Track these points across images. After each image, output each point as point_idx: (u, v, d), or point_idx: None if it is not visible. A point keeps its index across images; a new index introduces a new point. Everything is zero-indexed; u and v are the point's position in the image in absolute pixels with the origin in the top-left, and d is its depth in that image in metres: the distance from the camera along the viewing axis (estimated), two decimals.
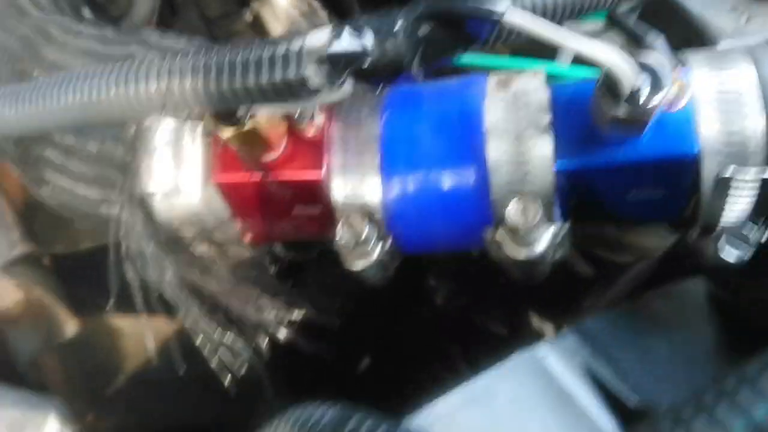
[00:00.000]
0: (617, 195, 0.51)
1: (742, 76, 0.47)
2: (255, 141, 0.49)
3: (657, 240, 0.78)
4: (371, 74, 0.39)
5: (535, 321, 1.14)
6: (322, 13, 1.36)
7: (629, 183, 0.49)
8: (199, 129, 0.54)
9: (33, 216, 0.72)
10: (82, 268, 0.90)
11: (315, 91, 0.39)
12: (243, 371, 0.59)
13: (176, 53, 0.40)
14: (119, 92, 0.40)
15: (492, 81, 0.53)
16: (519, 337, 1.14)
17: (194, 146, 0.54)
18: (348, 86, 0.40)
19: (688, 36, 0.62)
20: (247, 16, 1.50)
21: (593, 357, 0.50)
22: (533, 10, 0.42)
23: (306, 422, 0.38)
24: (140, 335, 1.01)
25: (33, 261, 0.73)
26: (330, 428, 0.36)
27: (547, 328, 1.19)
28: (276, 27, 1.51)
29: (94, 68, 0.43)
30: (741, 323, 0.58)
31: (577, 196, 0.51)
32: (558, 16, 0.43)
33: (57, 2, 0.77)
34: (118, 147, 0.54)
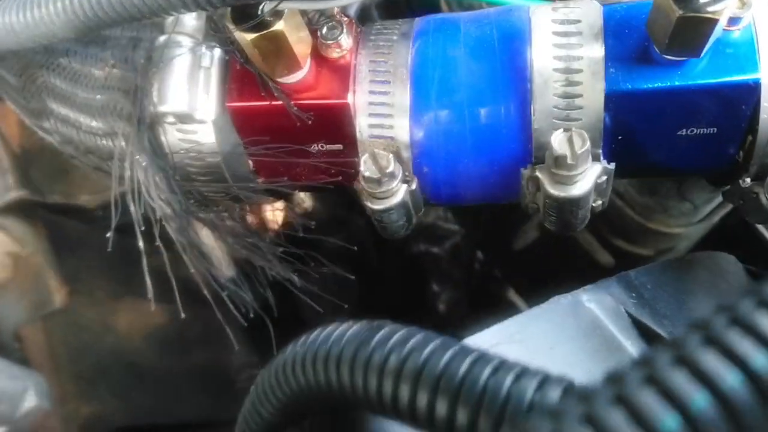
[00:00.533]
0: (667, 133, 0.47)
1: None
2: (278, 50, 0.45)
3: (681, 227, 0.74)
4: None
5: None
6: None
7: (681, 115, 0.45)
8: (217, 50, 0.50)
9: (30, 161, 0.68)
10: (77, 237, 0.85)
11: None
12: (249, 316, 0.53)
13: None
14: None
15: (533, 6, 0.50)
16: None
17: (211, 68, 0.50)
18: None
19: None
20: None
21: (635, 306, 0.46)
22: None
23: (329, 336, 0.33)
24: (133, 320, 0.96)
25: (27, 213, 0.68)
26: (358, 339, 0.31)
27: None
28: None
29: None
30: None
31: (623, 132, 0.47)
32: None
33: None
34: (128, 72, 0.50)
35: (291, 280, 0.51)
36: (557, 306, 0.43)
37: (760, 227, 0.72)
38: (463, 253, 1.15)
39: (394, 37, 0.50)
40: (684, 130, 0.46)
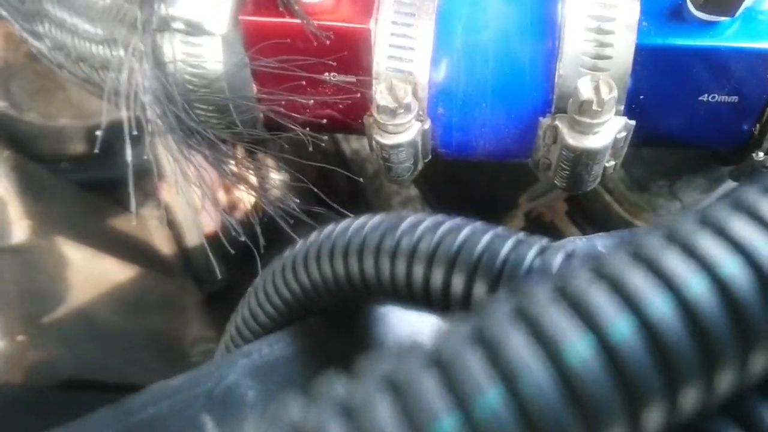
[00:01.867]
0: (689, 95, 0.46)
1: None
2: None
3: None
4: None
5: None
6: None
7: (707, 77, 0.45)
8: None
9: (12, 75, 0.63)
10: (43, 181, 0.80)
11: None
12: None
13: None
14: None
15: None
16: None
17: None
18: None
19: None
20: None
21: None
22: None
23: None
24: (90, 273, 0.91)
25: None
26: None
27: None
28: None
29: None
30: None
31: (646, 95, 0.46)
32: None
33: None
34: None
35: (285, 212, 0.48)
36: (571, 244, 0.42)
37: None
38: None
39: None
40: (706, 95, 0.46)
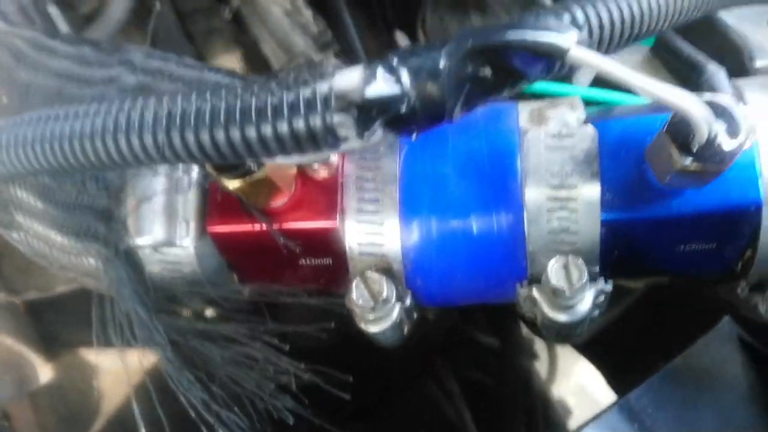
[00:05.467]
0: (665, 249, 0.45)
1: None
2: (262, 189, 0.43)
3: None
4: (407, 122, 0.34)
5: (526, 331, 1.08)
6: (307, 13, 1.28)
7: (681, 236, 0.44)
8: (195, 174, 0.48)
9: (1, 260, 0.65)
10: (56, 309, 0.83)
11: (341, 140, 0.33)
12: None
13: (175, 94, 0.34)
14: (107, 143, 0.34)
15: (524, 113, 0.48)
16: (509, 347, 1.09)
17: (190, 194, 0.47)
18: (379, 133, 0.34)
19: (722, 52, 0.57)
20: (226, 13, 1.43)
21: None
22: (593, 38, 0.36)
23: None
24: (118, 372, 0.95)
25: (3, 306, 0.65)
26: None
27: (538, 339, 1.13)
28: (257, 26, 1.44)
29: (76, 108, 0.37)
30: None
31: (620, 249, 0.46)
32: (619, 42, 0.38)
33: (24, 11, 0.70)
34: (101, 193, 0.47)
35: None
36: None
37: None
38: None
39: (381, 149, 0.48)
40: (683, 246, 0.45)
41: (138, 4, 1.35)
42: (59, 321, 0.80)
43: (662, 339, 0.75)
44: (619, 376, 0.88)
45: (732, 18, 0.56)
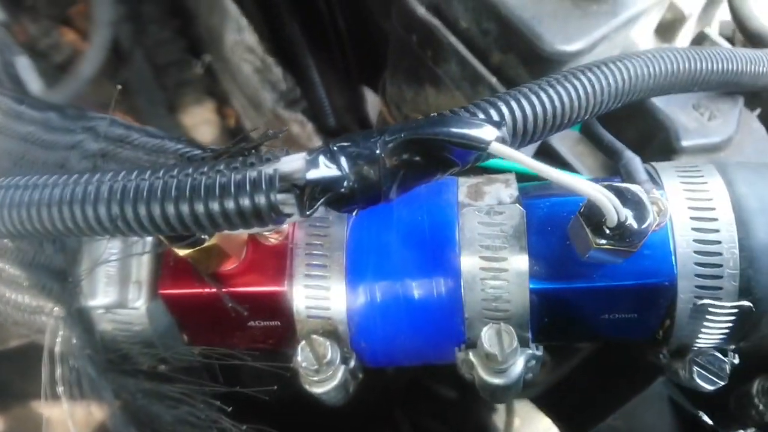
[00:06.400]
0: (591, 316, 0.49)
1: (715, 195, 0.46)
2: (212, 256, 0.45)
3: None
4: (347, 201, 0.37)
5: None
6: (276, 70, 1.33)
7: (603, 305, 0.48)
8: (149, 240, 0.50)
9: None
10: (9, 361, 0.82)
11: (285, 217, 0.36)
12: None
13: (131, 170, 0.37)
14: (63, 212, 0.36)
15: (463, 188, 0.52)
16: (468, 399, 1.11)
17: (144, 257, 0.49)
18: (321, 210, 0.37)
19: (651, 131, 0.62)
20: (199, 67, 1.46)
21: None
22: (516, 132, 0.40)
23: None
24: (67, 425, 0.93)
25: None
26: None
27: None
28: (228, 81, 1.48)
29: (36, 178, 0.39)
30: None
31: (550, 316, 0.49)
32: (540, 134, 0.42)
33: None
34: (58, 255, 0.49)
35: None
36: None
37: None
38: None
39: (330, 217, 0.51)
40: (606, 315, 0.49)
41: (112, 54, 1.37)
42: (11, 373, 0.79)
43: (608, 396, 0.78)
44: (575, 429, 0.90)
45: (660, 101, 0.61)
